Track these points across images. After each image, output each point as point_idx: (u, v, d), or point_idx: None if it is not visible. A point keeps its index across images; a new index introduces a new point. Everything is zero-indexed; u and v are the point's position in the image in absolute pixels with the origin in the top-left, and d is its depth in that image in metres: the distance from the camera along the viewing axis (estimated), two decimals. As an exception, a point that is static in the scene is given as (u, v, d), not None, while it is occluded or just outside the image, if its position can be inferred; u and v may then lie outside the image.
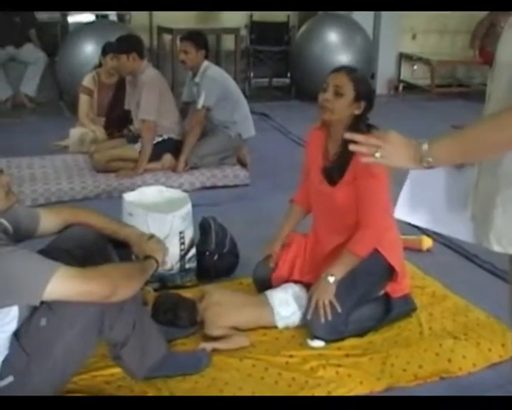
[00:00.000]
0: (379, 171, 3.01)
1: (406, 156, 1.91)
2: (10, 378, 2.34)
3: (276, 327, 3.18)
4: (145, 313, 2.79)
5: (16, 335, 2.35)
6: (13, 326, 2.34)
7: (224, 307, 3.14)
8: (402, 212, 3.86)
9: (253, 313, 3.18)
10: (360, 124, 3.06)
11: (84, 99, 6.30)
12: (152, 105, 5.35)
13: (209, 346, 2.97)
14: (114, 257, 2.90)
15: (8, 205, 2.41)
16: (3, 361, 2.34)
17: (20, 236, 2.61)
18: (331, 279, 3.05)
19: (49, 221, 2.78)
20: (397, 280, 3.23)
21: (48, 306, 2.33)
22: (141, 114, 5.40)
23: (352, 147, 1.96)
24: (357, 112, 3.07)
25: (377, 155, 1.90)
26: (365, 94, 3.10)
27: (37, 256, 2.31)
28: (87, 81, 6.31)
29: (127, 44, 5.43)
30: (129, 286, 2.43)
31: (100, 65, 6.31)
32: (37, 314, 2.35)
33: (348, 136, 1.96)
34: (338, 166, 3.13)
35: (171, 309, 3.12)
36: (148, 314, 2.85)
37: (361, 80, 3.10)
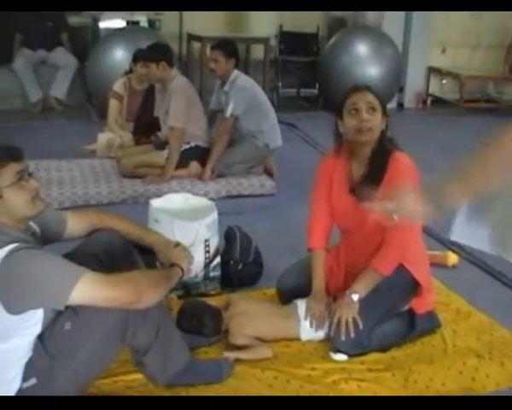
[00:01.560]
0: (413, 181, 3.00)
1: (423, 212, 2.02)
2: (33, 380, 2.36)
3: (299, 339, 3.17)
4: (169, 320, 2.78)
5: (40, 337, 2.37)
6: (37, 329, 2.35)
7: (248, 316, 3.13)
8: (458, 235, 3.87)
9: (278, 324, 3.17)
10: (384, 140, 3.07)
11: (113, 104, 6.35)
12: (181, 113, 5.38)
13: (232, 355, 2.97)
14: (140, 263, 2.91)
15: (34, 212, 2.41)
16: (27, 363, 2.35)
17: (47, 238, 2.63)
18: (355, 297, 3.04)
19: (76, 225, 2.79)
20: (422, 295, 3.20)
21: (73, 310, 2.34)
22: (170, 122, 5.43)
23: (372, 216, 2.10)
24: (383, 127, 3.08)
25: (395, 217, 2.02)
26: (385, 109, 3.12)
27: (63, 260, 2.33)
28: (118, 86, 6.36)
29: (157, 53, 5.47)
30: (153, 293, 2.43)
31: (130, 71, 6.35)
32: (62, 318, 2.37)
33: (364, 207, 2.09)
34: (370, 183, 3.07)
35: (197, 316, 3.12)
36: (171, 322, 2.85)
37: (381, 96, 3.11)
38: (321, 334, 3.16)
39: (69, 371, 2.38)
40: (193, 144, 5.56)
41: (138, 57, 6.11)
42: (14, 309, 2.23)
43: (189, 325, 3.09)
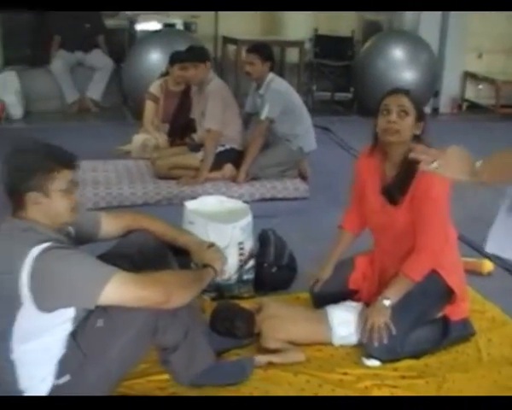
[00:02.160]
0: (438, 193, 3.00)
1: (460, 170, 2.10)
2: (67, 377, 2.39)
3: (331, 344, 3.17)
4: (198, 321, 2.80)
5: (73, 335, 2.39)
6: (69, 327, 2.38)
7: (281, 320, 3.14)
8: (493, 246, 3.85)
9: (311, 328, 3.17)
10: (421, 143, 3.06)
11: (149, 105, 6.38)
12: (217, 115, 5.40)
13: (264, 359, 2.98)
14: (174, 264, 2.93)
15: (70, 220, 2.46)
16: (60, 360, 2.38)
17: (81, 239, 2.66)
18: (387, 303, 3.04)
19: (110, 226, 2.82)
20: (456, 303, 3.18)
21: (103, 308, 2.36)
22: (206, 124, 5.45)
23: (412, 154, 2.13)
24: (417, 132, 3.07)
25: (434, 164, 2.10)
26: (423, 115, 3.12)
27: (94, 260, 2.35)
28: (154, 88, 6.39)
29: (196, 55, 5.51)
30: (183, 294, 2.45)
31: (167, 73, 6.38)
32: (94, 316, 2.39)
33: (412, 146, 2.13)
34: (400, 186, 3.10)
35: (229, 318, 3.13)
36: (200, 323, 2.86)
37: (418, 101, 3.12)
38: (353, 339, 3.15)
39: (101, 368, 2.41)
40: (228, 147, 5.58)
41: (175, 59, 6.14)
42: (46, 307, 2.26)
43: (221, 327, 3.11)
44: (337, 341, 3.15)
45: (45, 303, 2.25)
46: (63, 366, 2.38)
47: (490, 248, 3.94)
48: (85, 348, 2.39)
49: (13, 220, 2.35)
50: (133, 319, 2.42)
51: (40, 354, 2.35)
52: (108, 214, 2.89)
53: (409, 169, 3.04)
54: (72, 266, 2.27)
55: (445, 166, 2.12)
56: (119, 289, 2.28)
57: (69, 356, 2.38)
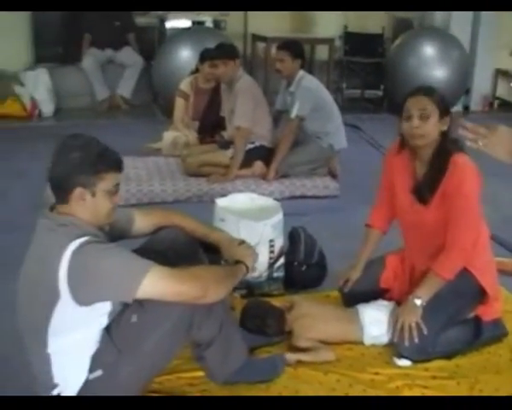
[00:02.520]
0: (470, 189, 2.98)
1: (507, 151, 2.13)
2: (99, 372, 2.39)
3: (362, 343, 3.15)
4: (231, 318, 2.81)
5: (108, 329, 2.41)
6: (104, 320, 2.39)
7: (312, 319, 3.13)
8: None
9: (342, 327, 3.16)
10: (447, 141, 3.03)
11: (180, 103, 6.39)
12: (247, 112, 5.40)
13: (294, 357, 2.97)
14: (205, 261, 2.93)
15: (107, 221, 2.47)
16: (94, 354, 2.39)
17: (114, 235, 2.66)
18: (418, 302, 3.01)
19: (142, 223, 2.83)
20: (488, 303, 3.15)
21: (139, 303, 2.37)
22: (236, 121, 5.46)
23: (460, 131, 2.16)
24: (444, 128, 3.04)
25: (480, 143, 2.11)
26: (447, 109, 3.07)
27: (131, 255, 2.35)
28: (184, 85, 6.41)
29: (226, 52, 5.51)
30: (219, 289, 2.45)
31: (197, 70, 6.40)
32: (129, 311, 2.40)
33: (461, 122, 2.16)
34: (429, 185, 3.08)
35: (260, 316, 3.13)
36: (234, 320, 2.87)
37: (440, 97, 3.06)
38: (384, 339, 3.13)
39: (134, 364, 2.42)
40: (258, 144, 5.57)
41: (205, 56, 6.15)
42: (83, 301, 2.27)
43: (252, 325, 3.11)
44: (368, 340, 3.13)
45: (83, 296, 2.26)
46: (96, 360, 2.39)
47: None
48: (119, 343, 2.40)
49: (52, 215, 2.37)
50: (168, 314, 2.43)
51: (75, 347, 2.36)
52: (140, 211, 2.90)
53: (439, 167, 3.02)
54: (110, 260, 2.28)
55: (492, 146, 2.13)
56: (157, 283, 2.28)
57: (103, 351, 2.39)
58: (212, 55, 5.70)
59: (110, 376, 2.40)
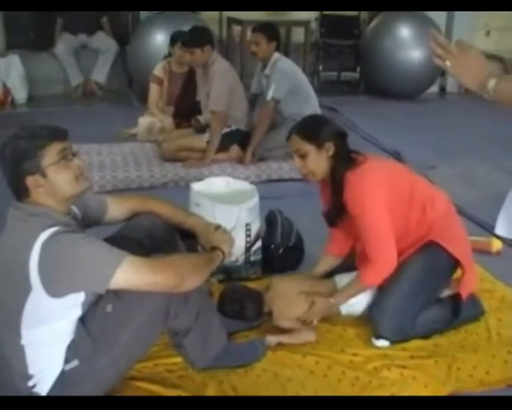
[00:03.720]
0: (367, 207, 2.92)
1: (474, 78, 2.03)
2: (76, 362, 2.37)
3: (339, 314, 3.15)
4: (209, 304, 2.79)
5: (83, 320, 2.38)
6: (78, 311, 2.37)
7: (290, 298, 3.10)
8: (502, 229, 3.86)
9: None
10: (338, 163, 2.99)
11: (154, 88, 6.35)
12: (222, 96, 5.37)
13: (275, 339, 2.96)
14: (182, 248, 2.92)
15: (79, 190, 2.39)
16: (69, 345, 2.37)
17: (88, 222, 2.64)
18: (331, 300, 3.04)
19: (116, 209, 2.80)
20: (465, 273, 3.12)
21: (114, 292, 2.34)
22: (211, 106, 5.42)
23: (431, 44, 2.04)
24: (330, 153, 2.98)
25: (448, 63, 2.00)
26: (327, 135, 3.00)
27: (104, 245, 2.31)
28: (158, 70, 6.36)
29: (201, 37, 5.44)
30: (195, 277, 2.43)
31: (169, 55, 6.35)
32: (104, 300, 2.38)
33: (432, 32, 2.05)
34: (334, 209, 3.08)
35: (238, 300, 3.12)
36: (211, 306, 2.85)
37: (312, 130, 3.00)
38: (360, 307, 3.13)
39: (110, 354, 2.40)
40: (234, 128, 5.55)
41: (176, 38, 6.10)
42: (55, 292, 2.24)
43: (230, 310, 3.09)
44: (344, 308, 3.12)
45: (55, 288, 2.23)
46: (72, 351, 2.37)
47: (500, 230, 3.96)
48: (94, 333, 2.37)
49: (22, 205, 2.33)
50: (144, 303, 2.40)
51: (49, 339, 2.33)
52: (115, 198, 2.87)
53: (337, 190, 3.00)
54: (82, 250, 2.24)
55: (460, 69, 2.03)
56: (129, 274, 2.25)
57: (78, 342, 2.37)
58: (189, 41, 5.61)
59: (86, 366, 2.37)
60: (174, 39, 6.17)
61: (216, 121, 5.43)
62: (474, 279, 3.20)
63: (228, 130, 5.53)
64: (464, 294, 3.11)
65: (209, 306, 2.76)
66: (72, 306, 2.33)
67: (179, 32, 6.07)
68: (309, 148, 2.96)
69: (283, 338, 2.99)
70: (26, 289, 2.22)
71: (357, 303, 3.12)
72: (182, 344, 2.64)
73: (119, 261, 2.24)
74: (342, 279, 3.16)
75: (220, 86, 5.37)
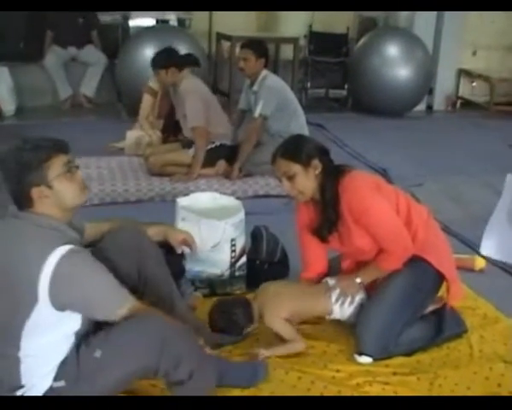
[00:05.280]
0: (368, 204, 2.96)
1: None
2: (62, 383, 2.37)
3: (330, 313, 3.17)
4: (203, 356, 2.61)
5: (77, 347, 2.39)
6: (76, 325, 2.39)
7: (281, 296, 3.12)
8: (487, 249, 3.91)
9: (311, 300, 3.16)
10: (329, 175, 3.02)
11: (147, 99, 6.31)
12: (198, 111, 5.40)
13: (266, 353, 2.98)
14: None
15: (83, 199, 2.47)
16: (61, 363, 2.37)
17: None
18: (358, 280, 3.12)
19: (90, 235, 2.86)
20: (450, 287, 3.17)
21: (105, 335, 2.37)
22: (190, 123, 5.45)
23: None
24: (317, 172, 3.01)
25: None
26: (311, 152, 3.01)
27: (113, 280, 2.40)
28: (153, 82, 6.32)
29: (164, 59, 5.51)
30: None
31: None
32: (95, 342, 2.38)
33: None
34: (326, 224, 3.09)
35: (227, 310, 3.12)
36: (204, 355, 2.68)
37: (295, 150, 3.01)
38: (345, 313, 3.14)
39: (92, 389, 2.37)
40: (218, 143, 5.58)
41: (193, 62, 6.15)
42: (60, 307, 2.27)
43: (221, 321, 3.09)
44: (336, 308, 3.13)
45: (60, 304, 2.26)
46: (62, 370, 2.37)
47: (485, 250, 4.00)
48: (82, 367, 2.36)
49: (23, 215, 2.36)
50: (133, 360, 2.38)
51: (45, 351, 2.34)
52: (93, 224, 2.91)
53: (330, 204, 3.03)
54: (94, 280, 2.33)
55: None
56: (126, 314, 2.36)
57: (68, 363, 2.37)
58: (153, 63, 5.65)
59: (71, 390, 2.36)
60: (189, 62, 6.17)
61: (198, 136, 5.45)
62: (460, 289, 3.23)
63: (212, 145, 5.55)
64: (452, 303, 3.16)
65: (203, 360, 2.56)
66: (70, 319, 2.35)
67: (196, 60, 6.10)
68: (296, 168, 2.98)
69: (273, 351, 3.01)
70: (32, 301, 2.24)
71: (348, 303, 3.15)
72: (172, 390, 2.51)
73: (122, 304, 2.37)
74: (333, 281, 3.18)
75: (193, 102, 5.39)
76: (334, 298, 3.13)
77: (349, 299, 3.12)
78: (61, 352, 2.37)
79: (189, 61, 5.67)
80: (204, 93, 5.59)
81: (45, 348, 2.34)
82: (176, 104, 5.72)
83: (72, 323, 2.37)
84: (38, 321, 2.27)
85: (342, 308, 3.13)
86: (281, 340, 3.08)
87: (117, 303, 2.37)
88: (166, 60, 5.51)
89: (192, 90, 5.46)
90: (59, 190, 2.36)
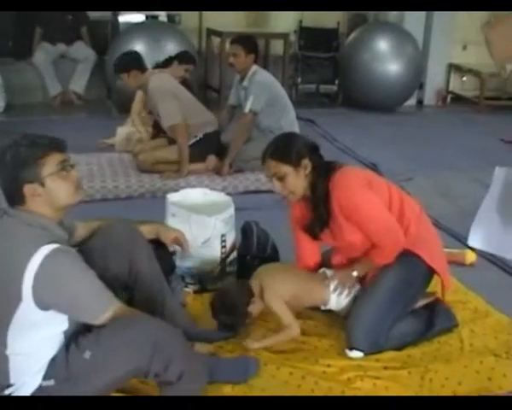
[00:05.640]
0: (358, 200, 2.97)
1: (504, 50, 2.19)
2: (51, 382, 2.35)
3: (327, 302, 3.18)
4: (193, 357, 2.61)
5: (67, 346, 2.37)
6: (64, 325, 2.37)
7: (283, 275, 3.15)
8: (476, 241, 3.92)
9: (310, 284, 3.18)
10: (320, 174, 3.01)
11: (139, 95, 6.23)
12: (170, 109, 5.38)
13: (258, 345, 2.99)
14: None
15: (76, 200, 2.44)
16: (50, 362, 2.36)
17: None
18: (354, 273, 3.14)
19: (82, 234, 2.85)
20: (440, 281, 3.19)
21: (96, 336, 2.35)
22: (166, 123, 5.43)
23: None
24: (307, 171, 3.00)
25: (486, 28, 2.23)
26: (301, 151, 3.01)
27: (98, 282, 2.38)
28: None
29: (125, 63, 5.49)
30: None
31: (163, 65, 6.31)
32: (84, 342, 2.36)
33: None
34: (318, 221, 3.10)
35: (226, 293, 3.12)
36: (194, 355, 2.70)
37: (285, 150, 3.00)
38: (342, 303, 3.16)
39: (82, 390, 2.35)
40: (201, 135, 5.55)
41: (187, 60, 6.17)
42: (43, 306, 2.25)
43: (222, 306, 3.07)
44: (334, 298, 3.15)
45: (44, 302, 2.25)
46: (51, 369, 2.35)
47: (473, 242, 4.01)
48: (71, 367, 2.34)
49: (14, 213, 2.35)
50: (124, 362, 2.36)
51: (34, 349, 2.33)
52: (81, 222, 2.89)
53: (321, 201, 3.03)
54: (78, 281, 2.31)
55: (495, 36, 2.19)
56: (110, 317, 2.35)
57: (58, 362, 2.35)
58: (114, 68, 5.63)
59: (60, 389, 2.35)
60: (184, 59, 6.21)
61: (178, 134, 5.42)
62: (450, 283, 3.25)
63: (196, 139, 5.53)
64: (444, 297, 3.19)
65: (196, 362, 2.56)
66: (57, 317, 2.34)
67: (192, 57, 6.25)
68: (286, 168, 2.97)
69: (267, 341, 3.02)
70: (16, 300, 2.23)
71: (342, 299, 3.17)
72: (162, 388, 2.50)
73: (107, 308, 2.35)
74: (330, 272, 3.21)
75: (163, 102, 5.37)
76: (332, 287, 3.14)
77: (346, 291, 3.13)
78: (49, 350, 2.36)
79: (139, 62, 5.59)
80: (173, 87, 5.54)
81: (33, 346, 2.32)
82: (150, 106, 5.70)
83: (59, 322, 2.35)
84: (24, 320, 2.26)
85: (339, 299, 3.15)
86: (273, 332, 3.09)
87: (101, 307, 2.35)
88: (127, 63, 5.48)
89: (160, 89, 5.40)
90: (52, 189, 2.34)
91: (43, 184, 2.32)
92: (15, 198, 2.34)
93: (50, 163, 2.33)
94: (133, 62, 5.49)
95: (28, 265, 2.20)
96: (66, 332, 2.38)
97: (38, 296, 2.22)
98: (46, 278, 2.21)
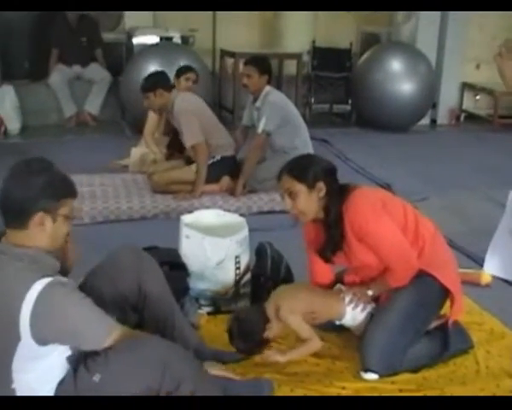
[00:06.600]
0: (372, 223, 2.95)
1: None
2: None
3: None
4: (204, 377, 2.59)
5: (75, 368, 2.37)
6: (66, 353, 2.36)
7: (298, 291, 3.15)
8: (491, 267, 3.88)
9: (326, 297, 3.16)
10: (334, 198, 3.00)
11: (151, 116, 6.28)
12: (193, 129, 5.42)
13: (283, 359, 2.98)
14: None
15: (61, 246, 2.46)
16: (59, 384, 2.36)
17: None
18: (369, 292, 3.12)
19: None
20: (453, 302, 3.14)
21: (105, 359, 2.34)
22: (188, 142, 5.47)
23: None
24: (321, 194, 2.99)
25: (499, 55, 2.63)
26: (317, 174, 2.99)
27: (95, 309, 2.36)
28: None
29: (152, 82, 5.53)
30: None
31: (173, 86, 6.36)
32: (93, 365, 2.36)
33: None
34: (330, 245, 3.09)
35: (242, 318, 3.09)
36: (205, 375, 2.66)
37: (302, 170, 2.99)
38: (357, 321, 3.14)
39: None
40: (218, 157, 5.58)
41: (183, 71, 6.18)
42: (43, 342, 2.25)
43: (238, 331, 3.05)
44: (349, 311, 3.13)
45: (43, 338, 2.24)
46: (59, 392, 2.35)
47: (488, 268, 3.97)
48: (80, 391, 2.34)
49: (7, 248, 2.32)
50: (134, 384, 2.36)
51: (40, 377, 2.33)
52: None
53: (334, 227, 3.02)
54: (77, 310, 2.30)
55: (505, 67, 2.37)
56: (113, 343, 2.34)
57: (66, 386, 2.35)
58: (141, 87, 5.66)
59: None
60: (180, 72, 6.22)
61: (199, 153, 5.46)
62: (461, 305, 3.20)
63: (213, 160, 5.56)
64: (455, 318, 3.15)
65: (205, 381, 2.55)
66: (59, 347, 2.33)
67: (185, 66, 6.19)
68: (300, 187, 2.97)
69: (291, 354, 3.01)
70: (15, 338, 2.22)
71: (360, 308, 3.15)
72: None
73: (107, 333, 2.34)
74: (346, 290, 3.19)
75: (187, 122, 5.41)
76: (347, 300, 3.12)
77: (361, 305, 3.12)
78: (55, 377, 2.36)
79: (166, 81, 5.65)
80: (198, 108, 5.60)
81: (38, 377, 2.33)
82: (174, 125, 5.73)
83: (61, 351, 2.34)
84: (25, 356, 2.26)
85: (354, 313, 3.12)
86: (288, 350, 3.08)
87: (102, 334, 2.34)
88: (154, 82, 5.53)
89: (184, 108, 5.46)
90: (58, 228, 2.36)
91: (54, 220, 2.33)
92: (20, 219, 2.30)
93: (67, 206, 2.37)
94: (160, 81, 5.55)
95: (23, 304, 2.19)
96: (69, 358, 2.37)
97: (37, 334, 2.21)
98: (42, 314, 2.20)
